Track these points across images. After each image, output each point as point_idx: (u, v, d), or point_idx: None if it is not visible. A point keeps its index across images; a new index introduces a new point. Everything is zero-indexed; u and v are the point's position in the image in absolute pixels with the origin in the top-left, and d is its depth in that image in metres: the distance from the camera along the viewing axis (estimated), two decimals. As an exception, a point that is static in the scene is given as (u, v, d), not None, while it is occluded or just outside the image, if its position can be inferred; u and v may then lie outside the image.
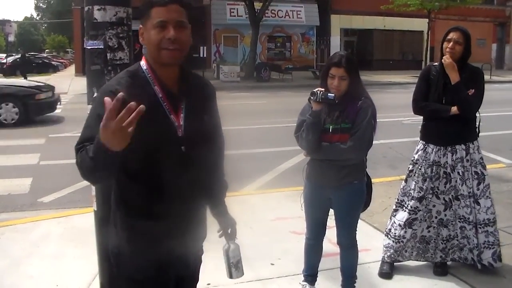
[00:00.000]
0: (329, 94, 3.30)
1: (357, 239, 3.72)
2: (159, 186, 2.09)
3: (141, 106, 1.72)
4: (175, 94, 2.13)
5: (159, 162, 2.04)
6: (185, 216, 2.21)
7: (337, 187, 3.51)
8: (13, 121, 12.85)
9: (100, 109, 1.87)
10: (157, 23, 2.02)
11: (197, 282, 2.50)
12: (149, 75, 2.11)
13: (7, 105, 12.85)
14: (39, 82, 16.10)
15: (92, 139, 1.86)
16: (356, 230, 3.70)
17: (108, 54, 2.89)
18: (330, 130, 3.39)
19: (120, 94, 1.73)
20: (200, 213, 2.32)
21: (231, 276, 2.44)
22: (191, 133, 2.13)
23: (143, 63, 2.15)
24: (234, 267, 2.42)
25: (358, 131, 3.35)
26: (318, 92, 3.33)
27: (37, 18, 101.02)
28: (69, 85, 25.57)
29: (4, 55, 47.08)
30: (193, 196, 2.22)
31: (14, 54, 50.39)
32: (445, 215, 4.20)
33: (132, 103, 1.72)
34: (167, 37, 2.02)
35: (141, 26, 2.10)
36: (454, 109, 4.01)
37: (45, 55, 59.22)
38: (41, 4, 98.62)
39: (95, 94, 2.93)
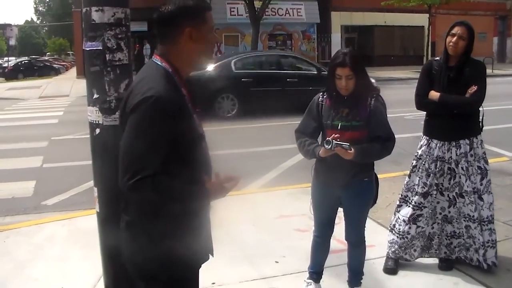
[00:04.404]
0: (343, 144, 3.19)
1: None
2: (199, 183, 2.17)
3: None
4: (190, 94, 2.23)
5: (196, 162, 2.18)
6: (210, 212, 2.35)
7: (347, 185, 3.48)
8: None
9: (159, 121, 2.00)
10: (213, 27, 2.23)
11: None
12: (175, 77, 2.16)
13: None
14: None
15: (159, 157, 2.01)
16: (364, 227, 3.69)
17: (107, 55, 2.87)
18: (339, 127, 3.35)
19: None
20: None
21: None
22: (203, 129, 2.28)
23: (164, 64, 2.16)
24: None
25: (386, 133, 3.38)
26: (333, 141, 3.20)
27: (38, 22, 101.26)
28: (70, 88, 25.60)
29: (12, 58, 47.20)
30: None
31: (15, 58, 50.52)
32: (449, 212, 4.18)
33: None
34: (216, 40, 2.33)
35: (188, 28, 2.13)
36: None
37: (46, 58, 59.29)
38: (40, 8, 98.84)
39: (95, 95, 2.93)
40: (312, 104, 3.57)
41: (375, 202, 3.70)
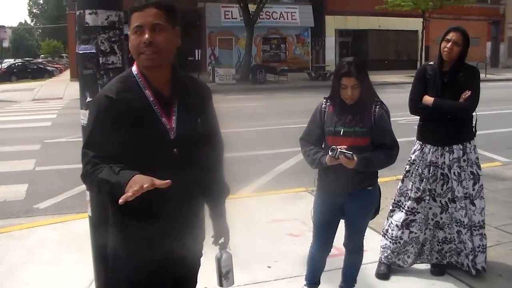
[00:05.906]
0: (346, 152, 3.15)
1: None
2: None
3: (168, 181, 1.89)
4: (167, 97, 2.17)
5: (152, 165, 2.06)
6: (182, 217, 2.24)
7: (352, 193, 3.43)
8: None
9: (98, 113, 2.08)
10: (134, 28, 2.09)
11: (196, 285, 2.53)
12: (140, 79, 2.15)
13: None
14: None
15: (98, 148, 2.05)
16: (364, 235, 3.66)
17: (100, 58, 2.87)
18: (341, 133, 3.33)
19: (167, 182, 1.88)
20: (198, 214, 2.36)
21: (221, 285, 2.47)
22: (183, 135, 2.16)
23: (134, 68, 2.19)
24: (224, 277, 2.45)
25: (391, 140, 3.37)
26: (337, 149, 3.15)
27: (31, 24, 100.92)
28: (64, 90, 25.54)
29: (8, 60, 47.21)
30: (190, 197, 2.25)
31: (13, 59, 50.32)
32: (441, 218, 4.18)
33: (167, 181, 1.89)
34: (143, 41, 2.07)
35: (128, 32, 2.18)
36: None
37: (40, 60, 59.06)
38: (34, 10, 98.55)
39: (88, 98, 2.93)
40: (315, 111, 3.53)
41: (377, 212, 3.65)
